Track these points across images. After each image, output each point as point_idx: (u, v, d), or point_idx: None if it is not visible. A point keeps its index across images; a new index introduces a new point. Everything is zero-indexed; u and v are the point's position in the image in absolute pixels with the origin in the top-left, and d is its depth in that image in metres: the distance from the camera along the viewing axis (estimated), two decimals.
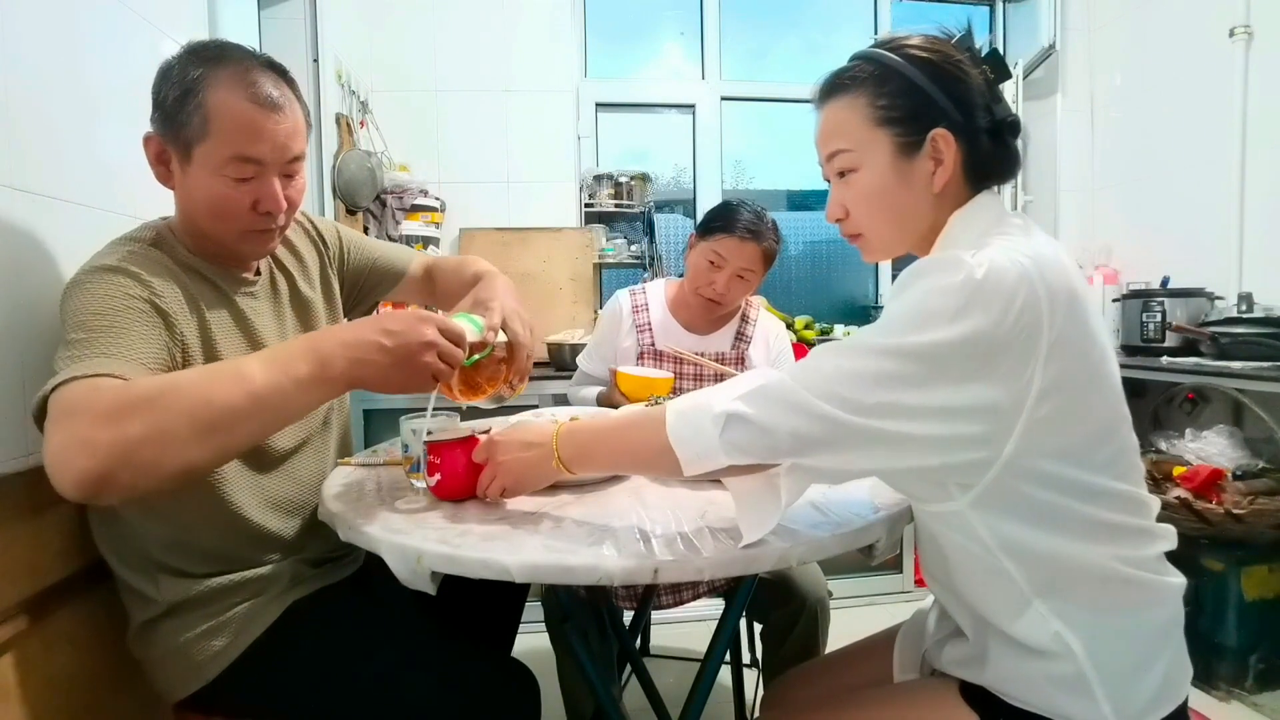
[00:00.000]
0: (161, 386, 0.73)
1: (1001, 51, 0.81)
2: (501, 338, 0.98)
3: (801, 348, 2.51)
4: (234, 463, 0.92)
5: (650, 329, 1.57)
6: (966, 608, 0.79)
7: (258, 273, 1.03)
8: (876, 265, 3.18)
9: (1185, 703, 0.75)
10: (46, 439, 0.69)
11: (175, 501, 0.88)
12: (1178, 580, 0.75)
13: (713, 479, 0.94)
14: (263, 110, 0.87)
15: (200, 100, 0.84)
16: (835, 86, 0.82)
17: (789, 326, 2.62)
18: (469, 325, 0.90)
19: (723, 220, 1.45)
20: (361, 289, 1.22)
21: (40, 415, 0.73)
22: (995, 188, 0.82)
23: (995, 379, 0.66)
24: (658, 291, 1.62)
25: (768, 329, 1.62)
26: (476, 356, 0.91)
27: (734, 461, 0.72)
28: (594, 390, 1.59)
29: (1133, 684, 0.71)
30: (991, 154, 0.79)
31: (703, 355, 1.53)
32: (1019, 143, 0.81)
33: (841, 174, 0.82)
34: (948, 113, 0.76)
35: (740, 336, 1.59)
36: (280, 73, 0.92)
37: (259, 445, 0.94)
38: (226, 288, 0.96)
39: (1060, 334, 0.66)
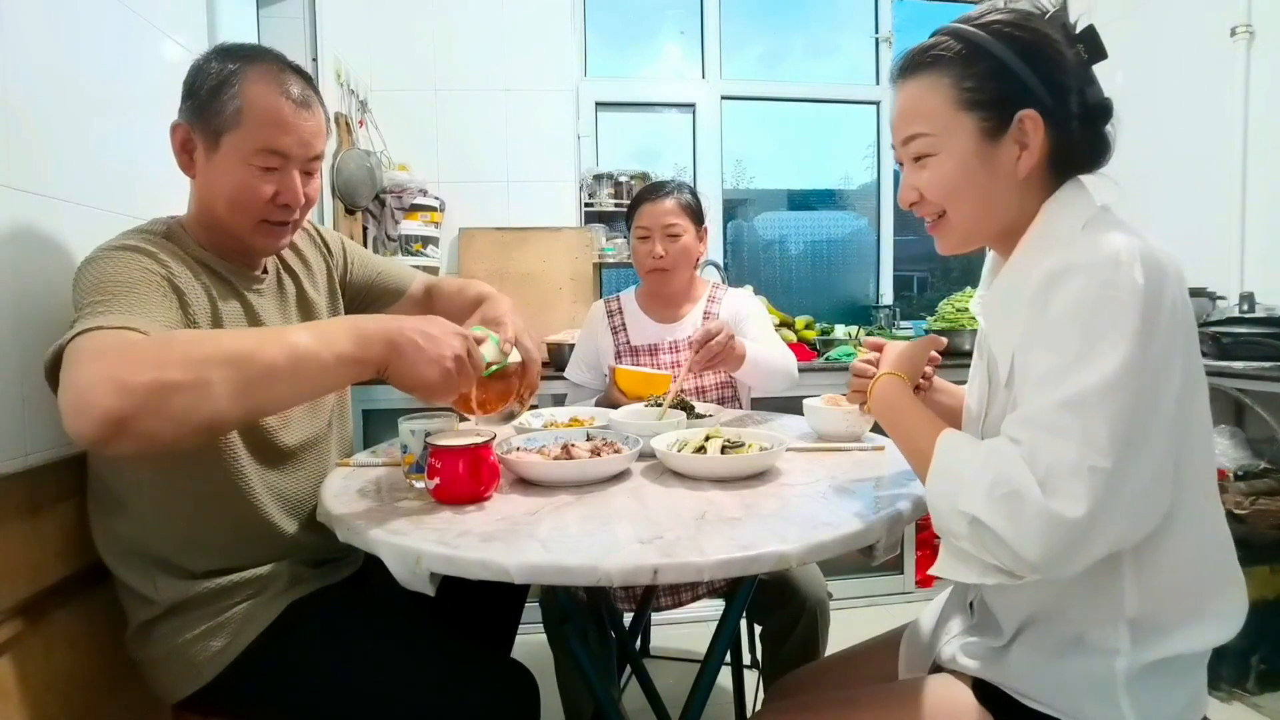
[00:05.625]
0: (203, 338, 0.74)
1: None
2: (514, 355, 0.99)
3: (800, 347, 2.50)
4: (246, 455, 0.93)
5: (625, 329, 1.66)
6: (1026, 608, 0.76)
7: (265, 271, 1.04)
8: (878, 265, 3.17)
9: None
10: (68, 377, 0.67)
11: (192, 499, 0.90)
12: (1243, 609, 0.74)
13: (719, 480, 0.95)
14: (293, 106, 0.92)
15: (236, 91, 0.89)
16: (917, 64, 0.77)
17: (789, 326, 2.62)
18: (487, 338, 0.93)
19: (633, 202, 1.64)
20: (363, 302, 1.24)
21: (53, 369, 0.72)
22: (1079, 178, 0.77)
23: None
24: (629, 295, 1.73)
25: (736, 303, 1.67)
26: (495, 366, 0.93)
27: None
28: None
29: (1163, 698, 0.70)
30: (1080, 141, 0.75)
31: (675, 344, 1.61)
32: (1110, 129, 0.77)
33: (918, 158, 0.78)
34: (1038, 95, 0.72)
35: (708, 317, 1.64)
36: (306, 78, 0.97)
37: (265, 439, 0.96)
38: (236, 282, 0.98)
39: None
